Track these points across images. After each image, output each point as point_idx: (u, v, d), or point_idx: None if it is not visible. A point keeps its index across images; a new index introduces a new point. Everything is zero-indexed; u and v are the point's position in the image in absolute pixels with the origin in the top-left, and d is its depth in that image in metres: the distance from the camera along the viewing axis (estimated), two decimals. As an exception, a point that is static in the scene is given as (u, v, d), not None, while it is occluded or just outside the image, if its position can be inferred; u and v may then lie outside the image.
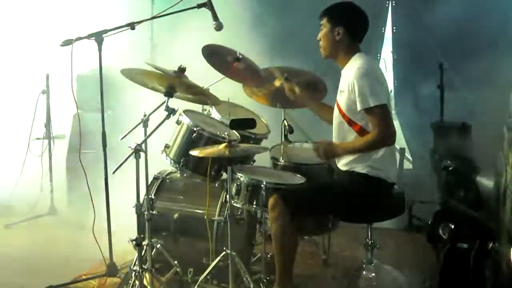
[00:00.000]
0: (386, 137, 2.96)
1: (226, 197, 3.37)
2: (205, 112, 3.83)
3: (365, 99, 2.91)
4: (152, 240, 3.38)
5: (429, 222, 3.46)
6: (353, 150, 3.04)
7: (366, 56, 3.09)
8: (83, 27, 3.52)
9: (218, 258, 3.23)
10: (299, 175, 3.33)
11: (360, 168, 3.03)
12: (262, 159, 3.75)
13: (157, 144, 3.52)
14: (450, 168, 4.31)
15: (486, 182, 3.78)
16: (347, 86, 2.99)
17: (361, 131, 3.02)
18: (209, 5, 3.25)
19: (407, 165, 6.12)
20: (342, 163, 3.12)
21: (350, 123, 3.03)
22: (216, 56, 3.60)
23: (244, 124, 3.26)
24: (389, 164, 3.11)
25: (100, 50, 3.22)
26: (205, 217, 3.43)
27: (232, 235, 3.15)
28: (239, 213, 3.40)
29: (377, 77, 3.00)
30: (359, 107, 2.93)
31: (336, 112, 3.12)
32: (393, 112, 6.57)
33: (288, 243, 3.01)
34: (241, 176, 3.23)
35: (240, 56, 3.62)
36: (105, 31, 3.20)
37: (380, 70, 3.15)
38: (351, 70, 3.01)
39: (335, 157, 3.15)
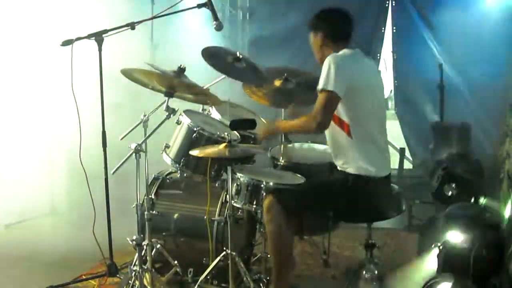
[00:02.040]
0: (314, 122, 2.94)
1: (226, 197, 3.37)
2: (205, 112, 3.83)
3: (319, 81, 2.96)
4: (152, 240, 3.38)
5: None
6: (289, 128, 3.21)
7: (346, 50, 3.10)
8: (83, 27, 3.52)
9: (218, 258, 3.23)
10: (299, 175, 3.33)
11: (351, 169, 3.05)
12: (262, 159, 3.75)
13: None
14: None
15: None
16: None
17: (339, 122, 3.06)
18: (209, 5, 3.25)
19: (407, 165, 6.12)
20: (338, 163, 3.15)
21: (338, 121, 3.07)
22: (216, 57, 3.60)
23: (244, 124, 3.26)
24: (380, 159, 3.10)
25: (100, 50, 3.22)
26: (205, 217, 3.43)
27: (232, 235, 3.15)
28: (239, 213, 3.40)
29: (339, 64, 2.95)
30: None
31: None
32: (393, 112, 6.63)
33: (283, 244, 3.04)
34: (241, 176, 3.23)
35: (240, 56, 3.62)
36: (105, 31, 3.20)
37: (352, 62, 3.04)
38: None
39: (274, 133, 3.40)
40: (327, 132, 3.16)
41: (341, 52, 3.07)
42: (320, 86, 2.95)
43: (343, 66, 2.96)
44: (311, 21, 3.24)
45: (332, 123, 3.07)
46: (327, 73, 2.94)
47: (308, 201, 3.07)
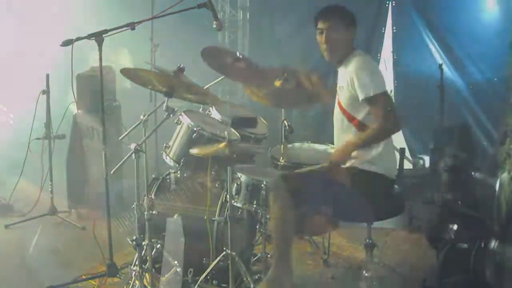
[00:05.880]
0: (390, 125, 2.96)
1: (226, 197, 3.37)
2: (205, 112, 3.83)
3: (366, 89, 2.93)
4: (152, 240, 3.38)
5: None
6: (361, 145, 2.99)
7: (362, 52, 3.15)
8: (83, 27, 3.53)
9: (218, 258, 3.23)
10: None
11: (359, 164, 3.03)
12: (262, 159, 3.75)
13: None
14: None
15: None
16: (346, 81, 3.02)
17: (360, 125, 3.04)
18: (209, 5, 3.25)
19: (407, 165, 6.12)
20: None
21: (350, 118, 3.05)
22: (216, 57, 3.60)
23: (246, 122, 3.27)
24: (388, 159, 3.11)
25: (100, 50, 3.22)
26: (205, 217, 3.43)
27: (232, 235, 3.15)
28: (239, 213, 3.40)
29: (374, 68, 3.09)
30: (360, 97, 2.94)
31: (336, 109, 3.14)
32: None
33: (287, 225, 3.00)
34: (241, 176, 3.23)
35: (240, 57, 3.61)
36: (105, 31, 3.19)
37: (376, 64, 3.21)
38: (349, 66, 3.05)
39: (347, 159, 3.06)
40: (335, 130, 3.16)
41: (364, 55, 3.10)
42: (372, 92, 2.91)
43: (377, 68, 3.12)
44: (347, 14, 3.12)
45: (344, 120, 3.08)
46: (373, 78, 2.96)
47: (314, 185, 3.00)
